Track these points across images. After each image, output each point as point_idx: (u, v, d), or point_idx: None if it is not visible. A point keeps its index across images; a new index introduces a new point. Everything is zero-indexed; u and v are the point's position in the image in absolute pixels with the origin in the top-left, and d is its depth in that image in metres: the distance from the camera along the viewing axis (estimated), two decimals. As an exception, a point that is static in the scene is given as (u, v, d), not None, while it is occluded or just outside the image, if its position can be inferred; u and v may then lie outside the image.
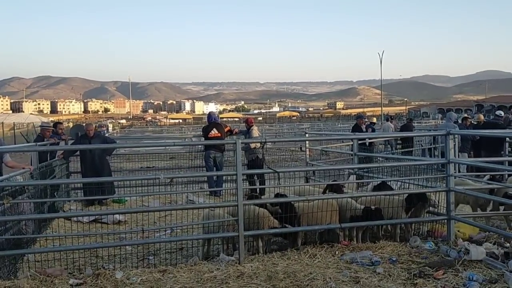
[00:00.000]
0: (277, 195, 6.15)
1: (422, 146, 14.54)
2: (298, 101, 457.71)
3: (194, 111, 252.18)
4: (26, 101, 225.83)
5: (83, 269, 5.19)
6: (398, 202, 5.94)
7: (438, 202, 6.04)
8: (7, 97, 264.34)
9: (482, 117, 14.48)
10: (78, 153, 9.77)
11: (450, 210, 5.81)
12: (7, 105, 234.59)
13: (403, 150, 14.16)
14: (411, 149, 14.20)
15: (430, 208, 6.09)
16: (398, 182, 7.02)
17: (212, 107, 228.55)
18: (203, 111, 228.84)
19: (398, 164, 7.80)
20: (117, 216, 7.78)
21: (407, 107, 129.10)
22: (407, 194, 6.03)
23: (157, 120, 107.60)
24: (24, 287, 4.33)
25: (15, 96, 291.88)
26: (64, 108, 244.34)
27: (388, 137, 12.93)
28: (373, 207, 5.85)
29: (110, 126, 43.29)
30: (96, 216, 7.74)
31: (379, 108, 72.95)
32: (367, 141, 11.04)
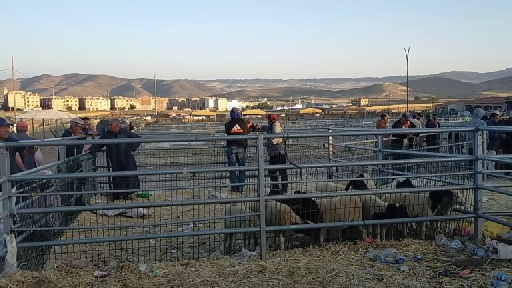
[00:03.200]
0: (297, 193, 6.11)
1: (448, 143, 14.22)
2: (321, 98, 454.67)
3: (217, 108, 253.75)
4: (55, 98, 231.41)
5: (107, 261, 5.29)
6: (423, 199, 5.82)
7: (466, 200, 5.89)
8: (37, 94, 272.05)
9: None
10: (104, 148, 9.95)
11: (478, 208, 5.66)
12: (37, 101, 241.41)
13: (429, 147, 13.87)
14: (437, 146, 13.90)
15: (457, 206, 5.94)
16: (424, 180, 6.88)
17: (235, 104, 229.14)
18: (226, 108, 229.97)
19: (424, 161, 7.64)
20: (141, 210, 7.90)
21: (434, 104, 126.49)
22: (431, 191, 5.91)
23: (181, 117, 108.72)
24: (51, 278, 4.42)
25: (45, 93, 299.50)
26: (91, 105, 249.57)
27: (415, 133, 12.65)
28: (397, 204, 5.75)
29: (128, 121, 43.75)
30: (121, 210, 7.87)
31: (405, 105, 71.74)
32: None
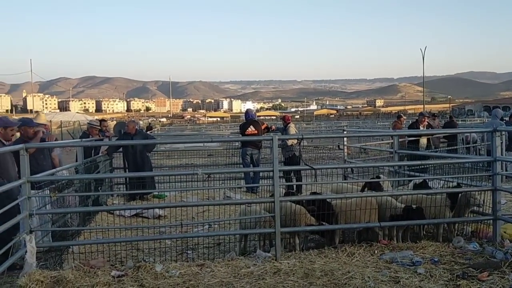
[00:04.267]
0: (313, 194, 6.09)
1: (466, 144, 14.01)
2: (336, 99, 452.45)
3: (231, 110, 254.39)
4: (72, 100, 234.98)
5: (124, 261, 5.35)
6: (440, 201, 5.75)
7: (484, 201, 5.80)
8: (55, 96, 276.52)
9: None
10: (120, 149, 10.07)
11: (496, 210, 5.57)
12: (55, 104, 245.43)
13: (447, 148, 13.69)
14: (455, 147, 13.71)
15: (475, 207, 5.85)
16: (441, 181, 6.80)
17: (250, 106, 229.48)
18: (240, 110, 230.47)
19: (441, 162, 7.55)
20: (157, 210, 7.96)
21: (451, 104, 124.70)
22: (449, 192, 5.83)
23: (195, 119, 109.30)
24: (69, 278, 4.49)
25: (62, 95, 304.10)
26: (108, 107, 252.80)
27: (432, 134, 12.49)
28: (414, 206, 5.70)
29: (141, 123, 44.01)
30: (138, 211, 7.95)
31: (421, 106, 70.91)
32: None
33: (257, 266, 4.78)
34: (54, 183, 5.69)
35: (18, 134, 6.43)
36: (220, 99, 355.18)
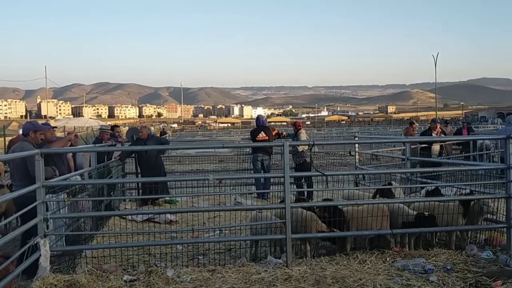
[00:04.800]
0: (325, 201, 6.08)
1: (480, 151, 13.85)
2: (347, 105, 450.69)
3: (242, 115, 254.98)
4: (85, 106, 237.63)
5: (136, 266, 5.39)
6: (453, 208, 5.70)
7: (497, 209, 5.74)
8: (68, 102, 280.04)
9: None
10: (133, 154, 10.16)
11: (510, 218, 5.50)
12: (68, 110, 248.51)
13: (460, 155, 13.55)
14: (468, 154, 13.56)
15: (488, 215, 5.79)
16: (454, 188, 6.74)
17: (260, 112, 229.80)
18: (251, 115, 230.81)
19: (453, 169, 7.48)
20: (168, 215, 8.01)
21: (464, 111, 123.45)
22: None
23: (206, 124, 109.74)
24: (82, 282, 4.54)
25: (76, 101, 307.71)
26: (120, 113, 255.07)
27: (444, 141, 12.37)
28: (426, 213, 5.66)
29: (152, 128, 44.38)
30: (149, 216, 8.01)
31: (434, 112, 70.35)
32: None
33: (268, 273, 4.78)
34: (68, 188, 5.78)
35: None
36: (231, 105, 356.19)
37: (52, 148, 6.19)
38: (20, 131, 13.26)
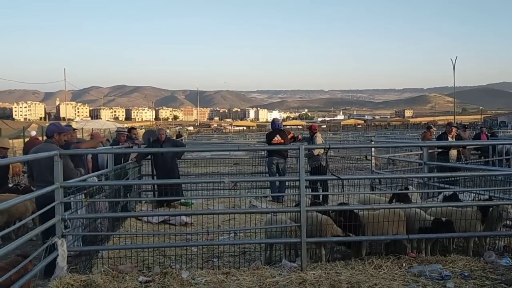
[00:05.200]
0: (340, 205, 6.04)
1: (499, 156, 13.61)
2: (364, 109, 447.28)
3: (258, 119, 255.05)
4: (103, 109, 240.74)
5: (151, 267, 5.43)
6: (471, 214, 5.60)
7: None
8: (86, 104, 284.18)
9: None
10: (149, 156, 10.26)
11: (530, 225, 5.38)
12: (86, 112, 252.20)
13: (479, 161, 13.33)
14: (487, 159, 13.34)
15: (507, 221, 5.68)
16: (472, 194, 6.63)
17: (276, 115, 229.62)
18: (266, 119, 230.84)
19: (472, 174, 7.36)
20: (184, 217, 8.06)
21: (483, 115, 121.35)
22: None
23: (222, 127, 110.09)
24: (98, 282, 4.60)
25: (94, 104, 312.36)
26: (137, 115, 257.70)
27: (463, 145, 12.18)
28: (443, 219, 5.57)
29: (168, 131, 44.71)
30: (165, 217, 8.07)
31: (452, 117, 69.39)
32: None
33: (282, 276, 4.77)
34: (86, 189, 5.86)
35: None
36: (247, 108, 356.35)
37: (72, 150, 6.30)
38: (34, 133, 13.56)
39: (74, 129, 7.09)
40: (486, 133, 19.53)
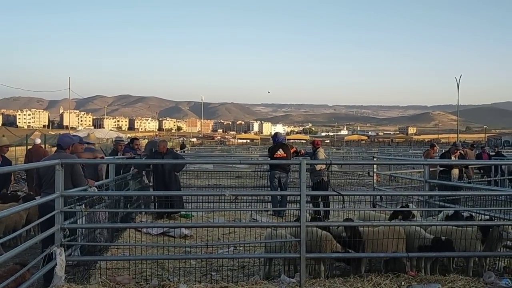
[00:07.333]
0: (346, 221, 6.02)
1: (501, 176, 13.55)
2: (367, 124, 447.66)
3: (261, 132, 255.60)
4: (107, 118, 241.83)
5: (149, 279, 5.40)
6: (471, 234, 5.57)
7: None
8: (90, 113, 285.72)
9: None
10: (150, 167, 10.26)
11: (531, 246, 5.35)
12: (89, 121, 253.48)
13: (481, 180, 13.28)
14: (490, 179, 13.29)
15: (508, 242, 5.64)
16: (473, 213, 6.60)
17: (280, 128, 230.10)
18: (270, 132, 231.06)
19: (473, 194, 7.34)
20: (183, 230, 8.03)
21: (487, 134, 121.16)
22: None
23: (225, 140, 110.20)
24: (95, 292, 4.59)
25: (98, 113, 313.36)
26: (140, 126, 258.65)
27: (465, 165, 12.14)
28: (443, 238, 5.55)
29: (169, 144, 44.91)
30: (164, 229, 8.05)
31: (455, 135, 69.32)
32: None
33: (280, 291, 4.74)
34: (87, 198, 5.87)
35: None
36: (251, 121, 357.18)
37: (74, 159, 6.33)
38: (38, 141, 13.65)
39: (87, 143, 7.38)
40: (488, 152, 19.49)
